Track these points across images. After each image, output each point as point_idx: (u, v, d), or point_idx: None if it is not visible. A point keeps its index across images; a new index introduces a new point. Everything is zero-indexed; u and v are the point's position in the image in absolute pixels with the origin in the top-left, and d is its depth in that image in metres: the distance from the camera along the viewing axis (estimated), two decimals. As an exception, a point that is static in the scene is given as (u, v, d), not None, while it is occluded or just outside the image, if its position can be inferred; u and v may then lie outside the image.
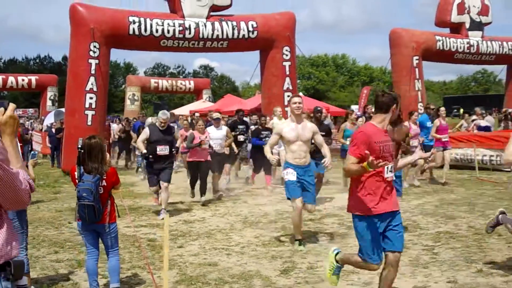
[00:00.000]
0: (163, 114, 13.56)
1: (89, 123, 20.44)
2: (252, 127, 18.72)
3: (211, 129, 15.94)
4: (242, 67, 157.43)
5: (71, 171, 7.40)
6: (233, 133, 17.03)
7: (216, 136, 15.75)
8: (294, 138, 10.03)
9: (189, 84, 49.80)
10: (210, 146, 15.14)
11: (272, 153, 10.52)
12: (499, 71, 34.66)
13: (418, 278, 8.17)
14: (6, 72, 61.25)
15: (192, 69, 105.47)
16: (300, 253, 9.60)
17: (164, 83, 49.69)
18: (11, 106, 3.59)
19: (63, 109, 24.87)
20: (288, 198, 10.19)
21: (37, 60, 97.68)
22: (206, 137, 15.02)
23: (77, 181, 7.16)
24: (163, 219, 10.34)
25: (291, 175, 9.98)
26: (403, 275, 8.29)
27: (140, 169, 20.49)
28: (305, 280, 8.13)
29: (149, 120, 18.06)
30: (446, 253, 9.41)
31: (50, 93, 49.02)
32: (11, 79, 49.66)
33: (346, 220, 12.23)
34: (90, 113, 20.49)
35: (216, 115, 17.50)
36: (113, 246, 7.39)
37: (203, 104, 38.29)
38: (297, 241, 10.07)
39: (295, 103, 10.10)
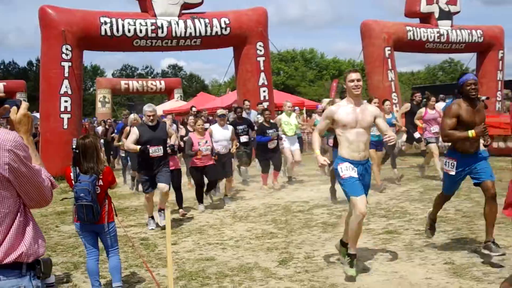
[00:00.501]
0: (148, 107, 11.62)
1: (65, 126, 20.24)
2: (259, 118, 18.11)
3: (215, 128, 14.44)
4: (209, 65, 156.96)
5: (65, 173, 7.33)
6: None
7: (222, 137, 14.26)
8: (352, 123, 7.74)
9: (160, 84, 49.55)
10: (212, 152, 13.50)
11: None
12: (467, 59, 35.08)
13: (416, 261, 8.25)
14: None
15: (160, 69, 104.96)
16: (295, 244, 9.63)
17: (134, 84, 49.35)
18: (24, 104, 3.55)
19: (36, 114, 24.62)
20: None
21: (1, 66, 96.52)
22: (206, 142, 13.29)
23: (73, 182, 7.09)
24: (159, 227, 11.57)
25: (351, 170, 7.70)
26: (400, 259, 8.38)
27: (129, 180, 18.37)
28: (304, 270, 8.16)
29: (132, 117, 16.32)
30: (438, 236, 9.48)
31: (20, 99, 47.94)
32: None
33: (335, 210, 12.33)
34: (65, 116, 20.29)
35: (221, 111, 15.18)
36: (113, 245, 7.35)
37: (176, 103, 38.17)
38: (349, 257, 7.72)
39: (353, 80, 7.73)
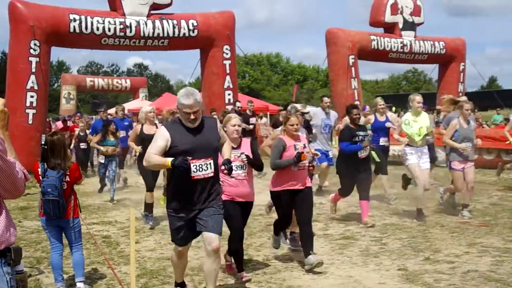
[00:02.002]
0: (187, 97, 6.41)
1: (30, 121, 20.21)
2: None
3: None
4: (175, 65, 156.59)
5: (34, 167, 7.47)
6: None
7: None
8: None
9: (125, 82, 49.49)
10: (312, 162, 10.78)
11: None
12: (430, 70, 35.59)
13: (370, 266, 8.53)
14: None
15: (126, 68, 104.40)
16: (255, 247, 9.85)
17: (100, 81, 49.24)
18: (1, 101, 3.73)
19: None
20: None
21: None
22: (304, 146, 8.90)
23: (40, 177, 7.23)
24: None
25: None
26: (355, 264, 8.66)
27: (106, 183, 15.78)
28: (263, 272, 8.40)
29: (148, 109, 12.37)
30: (394, 243, 9.84)
31: None
32: None
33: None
34: (31, 111, 20.25)
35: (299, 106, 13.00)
36: (77, 240, 7.51)
37: (141, 102, 38.11)
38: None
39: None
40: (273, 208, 9.70)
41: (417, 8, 29.97)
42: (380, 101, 14.82)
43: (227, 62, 24.04)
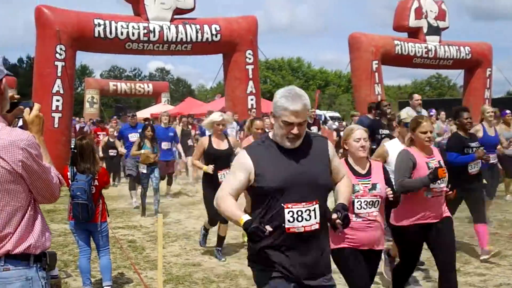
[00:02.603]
0: (294, 99, 4.37)
1: (56, 125, 20.31)
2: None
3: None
4: (196, 70, 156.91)
5: (63, 171, 7.50)
6: None
7: None
8: None
9: (148, 87, 49.65)
10: None
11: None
12: (454, 75, 35.26)
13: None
14: None
15: (147, 72, 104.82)
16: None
17: (123, 86, 49.44)
18: (37, 106, 3.75)
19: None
20: None
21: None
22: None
23: (70, 180, 7.27)
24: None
25: None
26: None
27: (134, 191, 15.37)
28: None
29: (216, 117, 9.71)
30: (422, 254, 9.70)
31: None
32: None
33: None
34: (57, 115, 20.35)
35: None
36: (105, 245, 7.55)
37: (163, 107, 38.21)
38: None
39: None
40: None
41: (442, 12, 29.72)
42: (488, 108, 12.27)
43: (250, 67, 24.02)
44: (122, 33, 21.68)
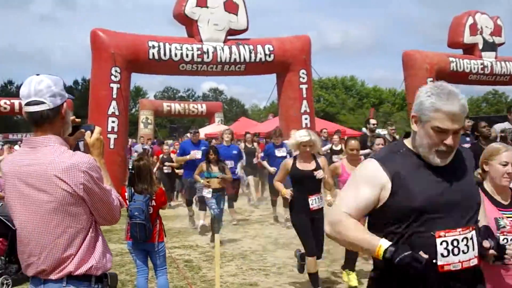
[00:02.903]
0: (449, 98, 3.31)
1: (112, 146, 20.56)
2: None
3: None
4: (249, 90, 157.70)
5: (121, 192, 7.59)
6: None
7: None
8: None
9: (201, 107, 49.90)
10: None
11: None
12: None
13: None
14: (18, 96, 59.62)
15: (201, 92, 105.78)
16: (338, 274, 9.72)
17: (176, 106, 49.79)
18: (97, 129, 3.82)
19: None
20: None
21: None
22: None
23: (127, 201, 7.35)
24: None
25: None
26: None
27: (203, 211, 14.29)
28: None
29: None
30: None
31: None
32: (26, 104, 48.13)
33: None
34: (112, 136, 20.62)
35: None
36: (162, 265, 7.59)
37: (217, 127, 38.42)
38: None
39: None
40: None
41: (497, 28, 29.29)
42: None
43: (304, 86, 23.99)
44: (176, 55, 21.88)
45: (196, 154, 14.59)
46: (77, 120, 3.81)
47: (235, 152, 15.17)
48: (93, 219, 3.53)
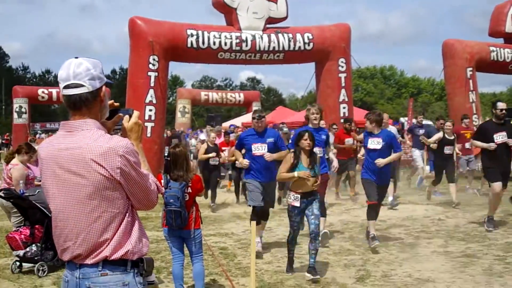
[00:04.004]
0: None
1: (149, 134, 20.70)
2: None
3: None
4: (286, 79, 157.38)
5: (157, 179, 7.61)
6: None
7: None
8: None
9: (239, 96, 49.91)
10: None
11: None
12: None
13: (495, 287, 8.19)
14: (56, 86, 59.02)
15: (239, 82, 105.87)
16: (373, 262, 9.68)
17: (214, 95, 49.92)
18: (136, 113, 3.80)
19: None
20: None
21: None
22: None
23: (163, 188, 7.37)
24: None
25: None
26: (478, 283, 8.33)
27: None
28: (382, 288, 8.23)
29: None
30: (517, 263, 9.40)
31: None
32: (66, 92, 47.79)
33: (413, 230, 12.29)
34: (149, 125, 20.76)
35: None
36: (198, 252, 7.59)
37: (255, 116, 38.25)
38: None
39: None
40: None
41: (539, 17, 28.82)
42: None
43: (343, 75, 23.88)
44: (214, 43, 21.91)
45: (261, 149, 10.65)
46: (115, 104, 3.80)
47: (324, 137, 11.02)
48: (130, 203, 3.50)
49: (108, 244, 3.40)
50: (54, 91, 41.15)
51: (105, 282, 3.41)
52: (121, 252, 3.43)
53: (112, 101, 3.77)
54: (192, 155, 23.09)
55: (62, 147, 3.40)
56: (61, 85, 3.45)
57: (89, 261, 3.40)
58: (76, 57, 3.50)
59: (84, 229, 3.38)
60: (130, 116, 3.75)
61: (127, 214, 3.48)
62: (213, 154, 15.95)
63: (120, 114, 3.74)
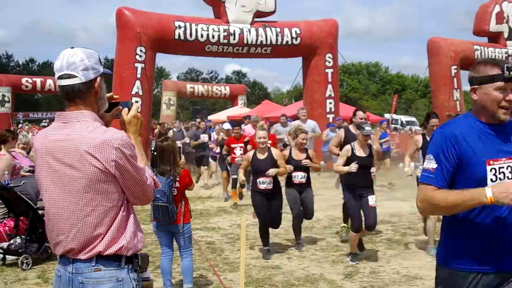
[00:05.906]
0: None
1: (134, 127, 20.56)
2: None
3: None
4: (272, 73, 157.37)
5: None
6: None
7: None
8: None
9: (225, 89, 49.67)
10: None
11: None
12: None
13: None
14: (40, 75, 56.55)
15: (224, 75, 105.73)
16: (360, 258, 9.63)
17: (200, 88, 49.69)
18: (135, 106, 3.74)
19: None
20: None
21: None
22: None
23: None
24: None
25: None
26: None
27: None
28: (370, 284, 8.19)
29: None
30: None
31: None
32: (49, 82, 45.10)
33: (400, 227, 12.29)
34: (135, 116, 20.61)
35: None
36: (187, 246, 7.51)
37: (240, 110, 38.32)
38: None
39: None
40: None
41: (524, 17, 28.99)
42: None
43: (329, 71, 23.91)
44: (202, 36, 21.85)
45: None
46: (115, 96, 3.73)
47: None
48: (125, 197, 3.41)
49: (102, 239, 3.31)
50: (38, 80, 40.84)
51: (98, 278, 3.33)
52: (115, 247, 3.34)
53: (112, 93, 3.70)
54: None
55: (56, 138, 3.31)
56: (56, 75, 3.38)
57: (82, 256, 3.31)
58: (72, 47, 3.42)
59: (77, 222, 3.29)
60: (129, 109, 3.69)
61: (122, 209, 3.39)
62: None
63: (119, 107, 3.68)
